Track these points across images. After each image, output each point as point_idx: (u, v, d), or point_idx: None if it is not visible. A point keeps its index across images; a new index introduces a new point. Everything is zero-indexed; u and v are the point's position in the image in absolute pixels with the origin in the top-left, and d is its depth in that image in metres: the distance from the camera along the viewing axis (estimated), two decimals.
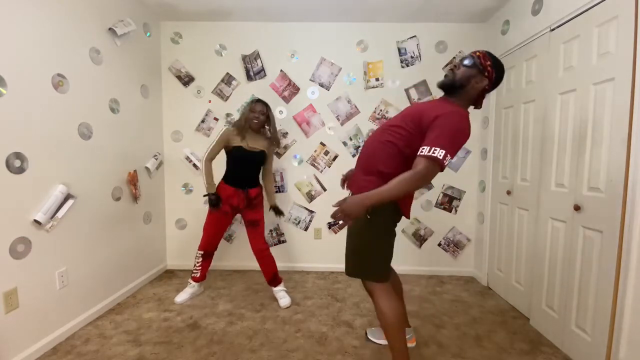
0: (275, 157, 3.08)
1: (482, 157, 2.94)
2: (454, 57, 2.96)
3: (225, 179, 2.41)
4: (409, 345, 1.67)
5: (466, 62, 1.42)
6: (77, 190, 2.06)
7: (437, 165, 1.28)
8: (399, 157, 1.42)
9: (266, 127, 2.48)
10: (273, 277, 2.47)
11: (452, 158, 1.30)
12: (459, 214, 3.07)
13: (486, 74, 1.40)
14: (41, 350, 1.82)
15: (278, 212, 2.58)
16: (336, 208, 1.34)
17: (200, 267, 2.48)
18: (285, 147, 3.08)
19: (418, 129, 1.38)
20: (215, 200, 2.36)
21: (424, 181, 1.30)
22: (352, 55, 3.01)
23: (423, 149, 1.29)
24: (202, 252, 2.46)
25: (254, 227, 2.43)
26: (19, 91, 1.68)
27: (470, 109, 1.52)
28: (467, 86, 1.42)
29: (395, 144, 1.42)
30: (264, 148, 2.42)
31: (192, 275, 2.51)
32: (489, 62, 1.40)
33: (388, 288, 1.54)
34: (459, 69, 1.44)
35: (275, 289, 2.48)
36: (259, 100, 2.41)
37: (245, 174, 2.40)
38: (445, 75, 1.50)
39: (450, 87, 1.45)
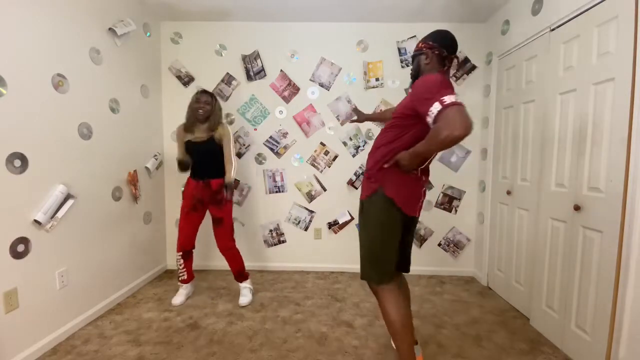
0: (275, 157, 3.08)
1: (482, 157, 2.94)
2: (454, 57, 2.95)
3: (190, 174, 2.45)
4: None
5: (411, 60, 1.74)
6: (77, 190, 2.06)
7: (457, 105, 1.24)
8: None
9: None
10: (238, 274, 2.50)
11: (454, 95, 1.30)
12: (459, 214, 3.07)
13: (424, 50, 1.56)
14: (41, 350, 1.82)
15: (227, 190, 2.34)
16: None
17: (184, 269, 2.47)
18: (285, 147, 3.08)
19: (408, 113, 1.43)
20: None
21: (455, 127, 1.21)
22: (352, 55, 3.01)
23: (431, 111, 1.28)
24: (180, 254, 2.45)
25: (218, 225, 2.41)
26: (19, 91, 1.68)
27: (467, 106, 1.42)
28: (421, 68, 1.57)
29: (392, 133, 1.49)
30: (208, 136, 2.35)
31: (180, 278, 2.49)
32: (420, 44, 1.59)
33: (392, 289, 1.52)
34: (411, 67, 1.68)
35: (241, 284, 2.51)
36: (204, 91, 2.39)
37: (200, 164, 2.39)
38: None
39: (415, 77, 1.60)
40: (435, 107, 1.27)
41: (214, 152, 2.38)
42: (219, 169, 2.40)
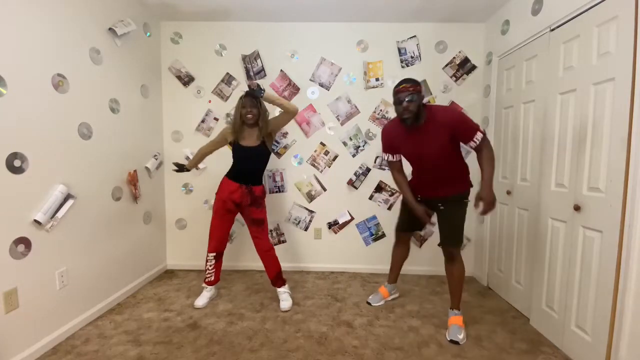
0: (275, 157, 3.08)
1: None
2: (454, 57, 2.96)
3: (229, 174, 2.39)
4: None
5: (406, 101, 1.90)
6: (77, 190, 2.06)
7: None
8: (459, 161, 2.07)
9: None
10: (276, 277, 2.43)
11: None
12: None
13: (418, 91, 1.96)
14: (41, 350, 1.82)
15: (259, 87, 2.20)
16: (481, 209, 1.91)
17: (213, 270, 2.43)
18: (285, 147, 3.08)
19: (449, 139, 1.92)
20: (179, 167, 2.58)
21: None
22: (352, 55, 3.01)
23: (475, 140, 1.88)
24: (214, 254, 2.41)
25: (259, 226, 2.37)
26: (19, 91, 1.68)
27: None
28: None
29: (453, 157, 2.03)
30: (259, 141, 2.31)
31: (206, 279, 2.44)
32: (411, 87, 1.92)
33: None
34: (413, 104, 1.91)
35: (279, 289, 2.44)
36: (247, 94, 2.28)
37: (245, 170, 2.35)
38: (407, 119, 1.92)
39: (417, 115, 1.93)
40: (481, 130, 1.88)
41: (263, 157, 2.36)
42: (261, 176, 2.41)
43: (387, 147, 2.17)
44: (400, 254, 2.45)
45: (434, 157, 1.99)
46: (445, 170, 2.04)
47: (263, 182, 2.46)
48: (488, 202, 1.87)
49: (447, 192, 2.08)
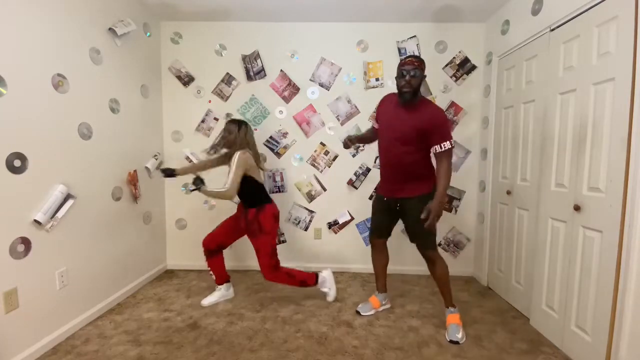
0: (275, 157, 3.08)
1: (482, 157, 2.94)
2: (454, 57, 2.96)
3: None
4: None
5: (409, 76, 1.92)
6: (77, 190, 2.06)
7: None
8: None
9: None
10: (301, 286, 2.41)
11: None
12: (459, 214, 3.07)
13: (422, 69, 1.98)
14: (41, 350, 1.82)
15: (197, 180, 2.09)
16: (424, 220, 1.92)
17: (209, 268, 2.44)
18: (285, 147, 3.08)
19: (423, 132, 1.94)
20: (168, 172, 2.35)
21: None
22: (352, 55, 3.01)
23: (442, 146, 1.91)
24: (203, 249, 2.41)
25: (257, 254, 2.30)
26: (19, 91, 1.68)
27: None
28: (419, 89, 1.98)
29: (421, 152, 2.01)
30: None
31: (213, 279, 2.48)
32: (417, 62, 1.94)
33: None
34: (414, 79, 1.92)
35: (316, 287, 2.46)
36: (231, 120, 2.30)
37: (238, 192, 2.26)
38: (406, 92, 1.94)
39: (414, 94, 1.95)
40: (447, 144, 1.91)
41: (241, 182, 2.22)
42: (253, 199, 2.29)
43: (377, 111, 2.21)
44: (379, 261, 2.37)
45: (404, 138, 1.97)
46: (408, 163, 2.00)
47: (260, 205, 2.27)
48: (435, 216, 1.91)
49: (406, 192, 2.05)
